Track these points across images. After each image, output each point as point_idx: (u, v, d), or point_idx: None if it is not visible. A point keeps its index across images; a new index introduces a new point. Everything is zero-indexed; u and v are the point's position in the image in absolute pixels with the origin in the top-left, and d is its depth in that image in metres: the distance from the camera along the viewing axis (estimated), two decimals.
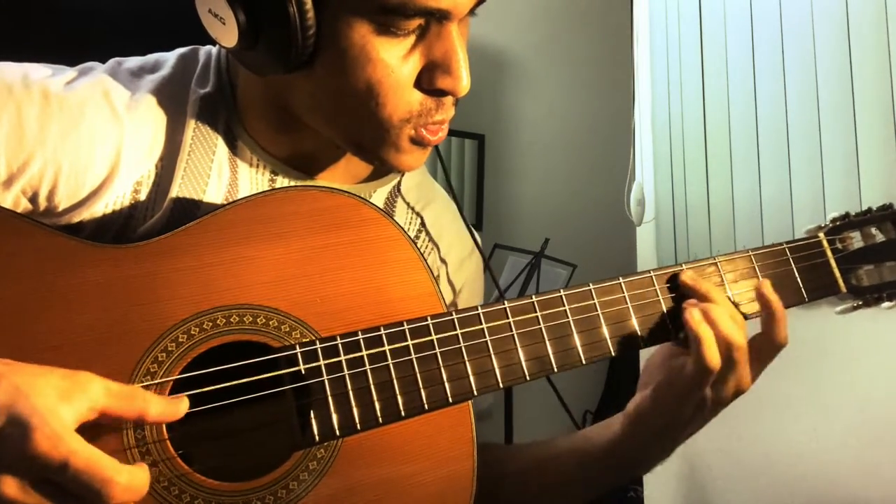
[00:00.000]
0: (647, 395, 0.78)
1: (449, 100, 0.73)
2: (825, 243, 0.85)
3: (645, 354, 0.85)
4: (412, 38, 0.69)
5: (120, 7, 2.10)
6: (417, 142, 0.73)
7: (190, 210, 0.75)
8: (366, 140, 0.74)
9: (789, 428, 1.90)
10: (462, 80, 0.70)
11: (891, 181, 1.66)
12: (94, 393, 0.57)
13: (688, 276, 0.77)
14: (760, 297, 0.78)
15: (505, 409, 2.57)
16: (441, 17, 0.67)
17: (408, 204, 0.90)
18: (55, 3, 2.03)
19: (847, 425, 1.75)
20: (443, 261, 0.91)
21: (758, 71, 2.08)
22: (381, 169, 0.88)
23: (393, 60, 0.68)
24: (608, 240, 2.85)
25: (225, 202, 0.77)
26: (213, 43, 0.79)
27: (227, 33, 0.68)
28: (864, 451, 1.69)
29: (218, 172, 0.77)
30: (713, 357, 0.72)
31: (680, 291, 0.78)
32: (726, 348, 0.73)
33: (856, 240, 0.85)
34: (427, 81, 0.70)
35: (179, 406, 0.61)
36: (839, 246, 0.85)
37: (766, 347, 0.78)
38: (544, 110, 3.16)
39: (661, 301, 0.77)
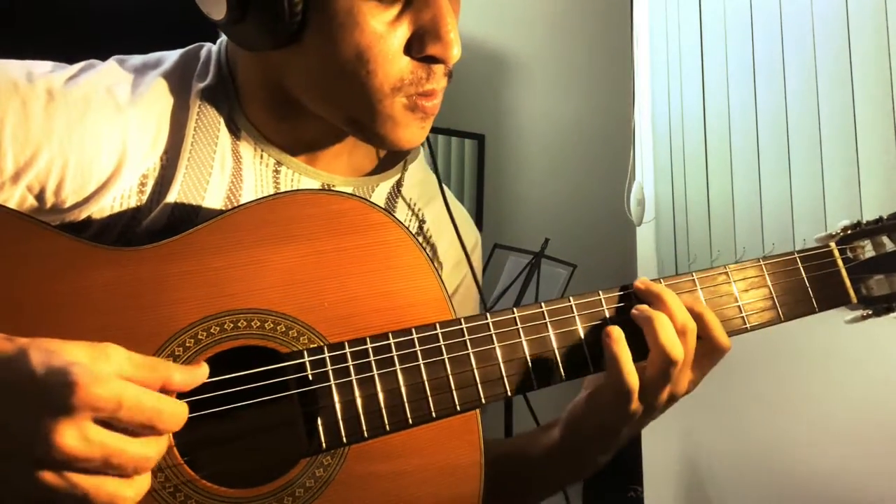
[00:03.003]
0: (582, 401, 0.79)
1: (440, 68, 0.72)
2: (836, 253, 0.84)
3: None
4: (399, 5, 0.69)
5: (121, 7, 2.10)
6: (412, 109, 0.73)
7: (193, 204, 0.75)
8: (361, 114, 0.73)
9: (789, 429, 1.90)
10: (452, 46, 0.70)
11: (891, 181, 1.66)
12: (119, 362, 0.56)
13: (640, 282, 0.76)
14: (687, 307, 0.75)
15: (504, 410, 2.57)
16: None
17: (408, 203, 0.89)
18: (56, 4, 2.02)
19: (846, 426, 1.75)
20: (440, 263, 0.91)
21: (758, 70, 2.08)
22: (385, 162, 0.88)
23: (381, 27, 0.68)
24: (608, 240, 2.86)
25: (228, 194, 0.77)
26: (214, 39, 0.79)
27: (215, 5, 0.68)
28: (863, 452, 1.70)
29: (221, 164, 0.77)
30: (631, 379, 0.71)
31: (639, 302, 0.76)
32: (662, 361, 0.72)
33: (866, 249, 0.85)
34: (417, 49, 0.70)
35: (199, 372, 0.61)
36: (850, 255, 0.84)
37: (706, 355, 0.75)
38: (544, 110, 3.16)
39: None
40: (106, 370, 0.54)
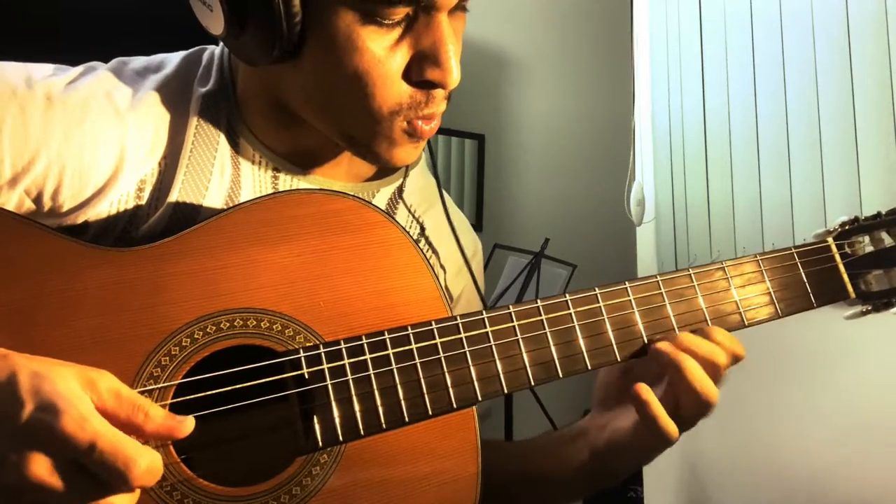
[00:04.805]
0: (619, 437, 0.80)
1: (440, 93, 0.72)
2: (834, 248, 0.84)
3: None
4: (399, 30, 0.68)
5: (122, 7, 2.10)
6: (410, 133, 0.73)
7: (191, 209, 0.74)
8: (358, 133, 0.73)
9: (788, 429, 1.90)
10: (452, 72, 0.69)
11: (891, 181, 1.66)
12: (104, 394, 0.57)
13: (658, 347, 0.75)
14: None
15: (505, 409, 2.56)
16: (427, 6, 0.67)
17: (409, 209, 0.89)
18: (56, 3, 2.03)
19: (844, 426, 1.75)
20: (442, 267, 0.91)
21: (758, 71, 2.07)
22: (385, 168, 0.87)
23: (380, 51, 0.68)
24: (608, 240, 2.86)
25: (227, 200, 0.77)
26: (216, 41, 0.79)
27: (214, 20, 0.68)
28: (861, 452, 1.69)
29: (220, 170, 0.76)
30: (670, 429, 0.73)
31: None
32: (698, 405, 0.74)
33: (865, 244, 0.84)
34: (416, 73, 0.69)
35: (180, 427, 0.60)
36: (848, 250, 0.84)
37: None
38: (544, 110, 3.16)
39: (668, 306, 0.77)
40: (89, 407, 0.55)
